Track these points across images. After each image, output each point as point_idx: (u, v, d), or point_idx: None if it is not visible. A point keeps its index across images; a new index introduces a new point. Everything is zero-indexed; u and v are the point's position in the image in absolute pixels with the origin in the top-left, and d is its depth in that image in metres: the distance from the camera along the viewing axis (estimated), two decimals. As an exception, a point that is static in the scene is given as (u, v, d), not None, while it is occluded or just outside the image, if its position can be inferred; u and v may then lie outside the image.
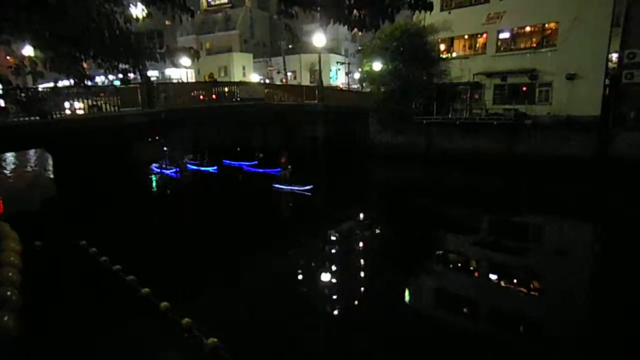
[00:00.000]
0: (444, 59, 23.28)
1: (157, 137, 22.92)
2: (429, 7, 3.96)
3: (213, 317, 6.72)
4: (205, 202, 15.91)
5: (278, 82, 38.00)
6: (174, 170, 20.71)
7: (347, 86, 38.51)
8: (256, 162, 21.84)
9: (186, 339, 6.01)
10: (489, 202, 15.71)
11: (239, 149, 23.89)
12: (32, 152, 29.50)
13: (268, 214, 14.43)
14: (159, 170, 21.21)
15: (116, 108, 13.97)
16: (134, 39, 4.75)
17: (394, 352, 6.19)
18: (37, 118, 9.64)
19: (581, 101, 18.62)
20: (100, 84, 20.84)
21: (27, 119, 10.79)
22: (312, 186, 16.10)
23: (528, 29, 20.71)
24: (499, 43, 21.45)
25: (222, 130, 24.26)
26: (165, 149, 22.22)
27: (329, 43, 35.88)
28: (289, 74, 42.03)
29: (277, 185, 16.95)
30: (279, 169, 17.94)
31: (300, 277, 9.23)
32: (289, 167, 17.28)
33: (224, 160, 22.80)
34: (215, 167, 21.16)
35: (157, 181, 20.33)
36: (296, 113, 21.73)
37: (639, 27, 17.52)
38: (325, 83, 26.61)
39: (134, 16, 4.84)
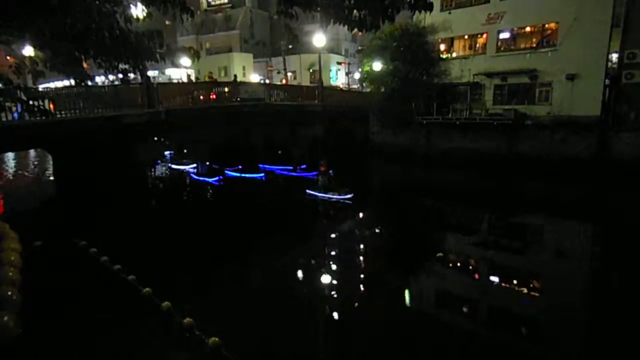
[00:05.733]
0: (444, 59, 23.22)
1: (161, 138, 22.84)
2: (429, 8, 3.97)
3: (215, 316, 6.71)
4: (217, 207, 15.65)
5: (278, 82, 37.95)
6: (217, 178, 19.60)
7: (347, 86, 38.51)
8: (291, 167, 20.98)
9: (188, 338, 6.01)
10: (488, 202, 15.69)
11: (280, 151, 23.27)
12: (32, 152, 29.52)
13: (278, 217, 13.56)
14: (199, 178, 20.37)
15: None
16: (134, 38, 4.76)
17: (395, 352, 6.19)
18: (38, 118, 9.64)
19: (581, 101, 18.61)
20: (100, 83, 20.82)
21: (28, 118, 10.76)
22: (352, 194, 14.61)
23: (528, 29, 20.68)
24: (499, 43, 21.42)
25: (222, 131, 24.20)
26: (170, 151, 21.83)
27: (329, 43, 35.87)
28: (289, 74, 42.01)
29: (311, 192, 15.39)
30: (315, 173, 16.82)
31: (302, 277, 9.23)
32: (330, 172, 15.57)
33: (260, 165, 21.34)
34: (262, 174, 20.00)
35: (196, 188, 19.53)
36: (296, 113, 21.71)
37: (639, 28, 17.52)
38: (325, 83, 26.61)
39: (134, 16, 4.84)
